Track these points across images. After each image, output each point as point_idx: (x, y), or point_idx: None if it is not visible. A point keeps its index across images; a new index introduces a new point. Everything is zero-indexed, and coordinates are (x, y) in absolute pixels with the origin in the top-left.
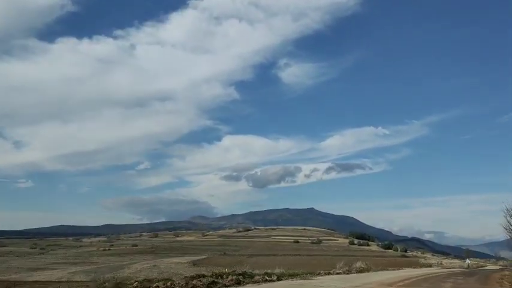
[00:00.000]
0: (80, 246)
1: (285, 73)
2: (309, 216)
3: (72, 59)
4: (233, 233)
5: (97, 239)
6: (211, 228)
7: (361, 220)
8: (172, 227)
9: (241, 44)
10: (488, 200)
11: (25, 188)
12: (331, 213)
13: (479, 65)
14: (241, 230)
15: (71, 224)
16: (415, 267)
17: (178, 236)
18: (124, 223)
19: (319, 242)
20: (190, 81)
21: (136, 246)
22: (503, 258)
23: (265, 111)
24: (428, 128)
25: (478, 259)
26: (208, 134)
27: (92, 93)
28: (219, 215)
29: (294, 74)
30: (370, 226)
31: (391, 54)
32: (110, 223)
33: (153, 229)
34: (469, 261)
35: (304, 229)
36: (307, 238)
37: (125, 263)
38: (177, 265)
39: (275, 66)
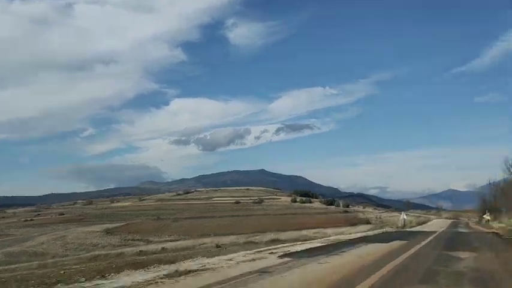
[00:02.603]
0: (3, 217)
1: (233, 33)
2: (259, 178)
3: (4, 20)
4: (172, 196)
5: (23, 209)
6: (160, 193)
7: (310, 179)
8: (120, 193)
9: (186, 2)
10: (429, 155)
11: None
12: (281, 173)
13: (425, 23)
14: (180, 192)
15: (10, 195)
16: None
17: (113, 202)
18: (70, 191)
19: (261, 201)
20: (134, 42)
21: (63, 215)
22: (444, 210)
23: (214, 73)
24: (374, 86)
25: (419, 211)
26: (155, 97)
27: (27, 57)
28: (169, 180)
29: (243, 34)
30: (319, 184)
31: (341, 13)
32: (54, 192)
33: (100, 196)
34: (404, 217)
35: (248, 189)
36: (249, 198)
37: (35, 234)
38: (88, 234)
39: (223, 26)
